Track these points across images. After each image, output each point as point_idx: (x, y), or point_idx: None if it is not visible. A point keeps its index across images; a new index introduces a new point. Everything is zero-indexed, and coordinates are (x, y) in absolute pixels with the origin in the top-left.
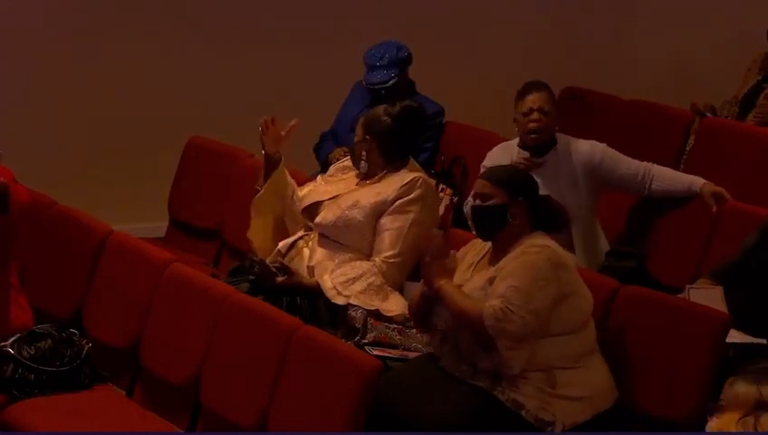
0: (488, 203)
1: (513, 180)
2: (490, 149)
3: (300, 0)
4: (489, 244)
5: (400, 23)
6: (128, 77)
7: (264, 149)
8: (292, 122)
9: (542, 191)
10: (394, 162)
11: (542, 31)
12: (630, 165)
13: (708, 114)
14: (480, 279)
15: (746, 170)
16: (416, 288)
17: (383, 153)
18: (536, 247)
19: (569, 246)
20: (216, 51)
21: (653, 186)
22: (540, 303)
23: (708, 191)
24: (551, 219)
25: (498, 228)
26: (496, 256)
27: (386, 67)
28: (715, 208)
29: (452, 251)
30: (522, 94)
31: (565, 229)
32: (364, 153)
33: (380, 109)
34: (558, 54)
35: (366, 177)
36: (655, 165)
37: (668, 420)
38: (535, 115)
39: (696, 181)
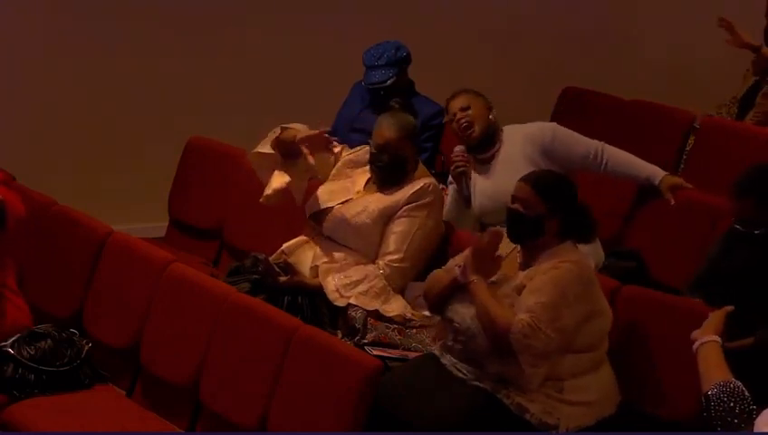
0: (528, 212)
1: (557, 191)
2: None
3: (300, 0)
4: (513, 245)
5: (400, 23)
6: (128, 77)
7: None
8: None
9: (497, 184)
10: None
11: (542, 31)
12: (583, 143)
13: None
14: (507, 285)
15: None
16: (415, 287)
17: (416, 153)
18: (568, 263)
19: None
20: (216, 51)
21: (609, 167)
22: (567, 321)
23: (666, 185)
24: (582, 233)
25: (532, 238)
26: (525, 261)
27: (384, 67)
28: (673, 202)
29: (499, 255)
30: (446, 108)
31: (593, 241)
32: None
33: (407, 116)
34: (558, 54)
35: (384, 186)
36: (607, 145)
37: (669, 420)
38: (459, 114)
39: (656, 174)
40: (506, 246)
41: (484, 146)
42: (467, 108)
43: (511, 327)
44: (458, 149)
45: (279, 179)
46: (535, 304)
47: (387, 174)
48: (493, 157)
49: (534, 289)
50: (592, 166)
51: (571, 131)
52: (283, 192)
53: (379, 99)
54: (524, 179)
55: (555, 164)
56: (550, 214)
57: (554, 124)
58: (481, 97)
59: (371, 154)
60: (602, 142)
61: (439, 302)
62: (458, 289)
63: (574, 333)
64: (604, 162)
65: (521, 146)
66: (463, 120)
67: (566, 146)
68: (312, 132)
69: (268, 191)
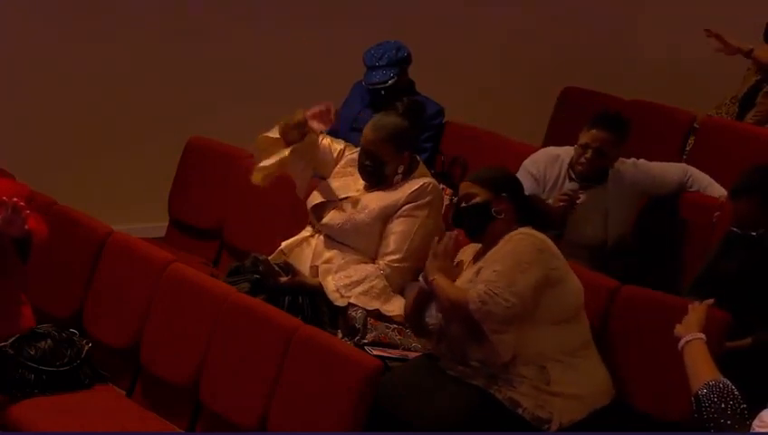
0: (471, 202)
1: (496, 178)
2: (490, 149)
3: (300, 0)
4: (480, 245)
5: (400, 23)
6: (128, 76)
7: (312, 125)
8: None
9: (575, 221)
10: (412, 165)
11: (543, 31)
12: (667, 172)
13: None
14: (469, 272)
15: None
16: (413, 287)
17: (410, 161)
18: (521, 234)
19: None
20: (216, 50)
21: (692, 188)
22: (523, 285)
23: None
24: (539, 217)
25: (483, 226)
26: (485, 251)
27: (385, 67)
28: None
29: (460, 261)
30: (590, 123)
31: (558, 230)
32: (402, 167)
33: (395, 118)
34: (558, 54)
35: (379, 184)
36: (690, 166)
37: (668, 420)
38: (589, 154)
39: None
40: (475, 250)
41: (586, 180)
42: (603, 155)
43: (468, 299)
44: (571, 188)
45: (273, 157)
46: (491, 274)
47: (368, 177)
48: (586, 189)
49: (490, 263)
50: (676, 190)
51: (651, 165)
52: (275, 167)
53: (380, 99)
54: (464, 180)
55: (638, 201)
56: (495, 197)
57: (642, 162)
58: (621, 145)
59: (359, 155)
60: (686, 165)
61: (416, 320)
62: (428, 300)
63: (533, 297)
64: (688, 183)
65: (612, 197)
66: (585, 159)
67: (652, 180)
68: (319, 107)
69: (259, 166)
